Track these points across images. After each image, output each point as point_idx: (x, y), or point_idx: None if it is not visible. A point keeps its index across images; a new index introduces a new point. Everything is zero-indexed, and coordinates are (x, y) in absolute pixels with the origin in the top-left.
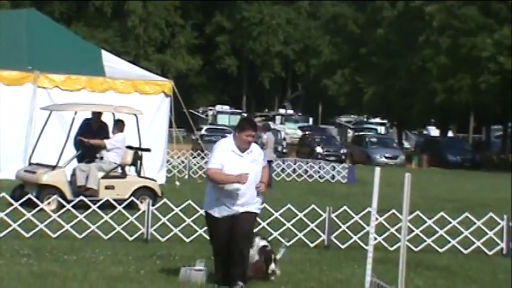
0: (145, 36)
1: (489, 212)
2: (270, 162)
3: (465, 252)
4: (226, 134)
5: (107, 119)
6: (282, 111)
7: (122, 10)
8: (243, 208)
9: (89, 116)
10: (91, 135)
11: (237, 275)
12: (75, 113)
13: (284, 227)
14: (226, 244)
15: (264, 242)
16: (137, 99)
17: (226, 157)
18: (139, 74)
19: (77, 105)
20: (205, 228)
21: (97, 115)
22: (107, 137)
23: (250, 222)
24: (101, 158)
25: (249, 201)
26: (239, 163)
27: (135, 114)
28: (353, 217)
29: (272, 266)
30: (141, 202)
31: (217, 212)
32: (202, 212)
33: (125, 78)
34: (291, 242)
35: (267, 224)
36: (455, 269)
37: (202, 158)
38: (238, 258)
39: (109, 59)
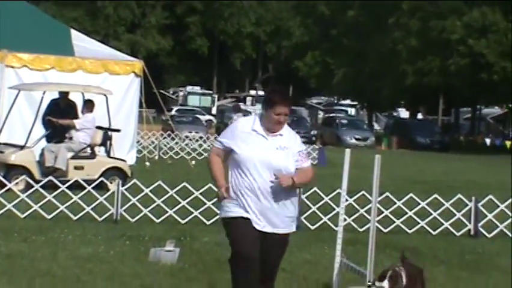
0: (115, 16)
1: (457, 194)
2: None
3: (433, 233)
4: (197, 115)
5: (77, 99)
6: (252, 92)
7: None
8: (275, 227)
9: (57, 96)
10: (59, 115)
11: None
12: (44, 93)
13: None
14: (255, 257)
15: (385, 284)
16: (107, 79)
17: (242, 137)
18: (109, 53)
19: (46, 84)
20: (176, 208)
21: (64, 94)
22: (76, 117)
23: (283, 247)
24: (71, 138)
25: (280, 211)
26: (258, 146)
27: (105, 94)
28: (323, 198)
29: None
30: (111, 182)
31: (236, 213)
32: (172, 192)
33: (95, 57)
34: None
35: None
36: (423, 250)
37: (173, 138)
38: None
39: (78, 38)
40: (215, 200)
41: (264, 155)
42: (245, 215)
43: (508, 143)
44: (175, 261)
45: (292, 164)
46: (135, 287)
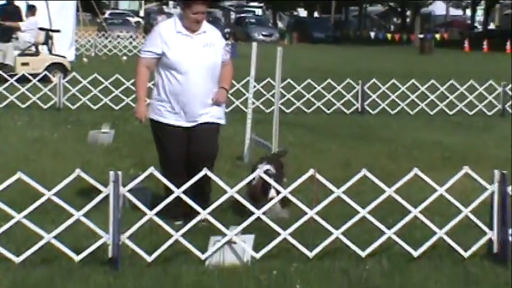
0: None
1: (347, 79)
2: None
3: (328, 112)
4: (127, 17)
5: (21, 4)
6: None
7: None
8: (201, 118)
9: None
10: (7, 18)
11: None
12: None
13: None
14: (182, 160)
15: (268, 166)
16: None
17: (168, 41)
18: None
19: None
20: (110, 97)
21: (10, 1)
22: (21, 20)
23: (213, 136)
24: (17, 39)
25: (205, 104)
26: (187, 46)
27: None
28: (235, 85)
29: (272, 192)
30: (53, 76)
31: (167, 118)
32: (106, 83)
33: None
34: None
35: None
36: (319, 126)
37: (106, 38)
38: (200, 187)
39: None
40: None
41: (193, 54)
42: (174, 122)
43: (389, 35)
44: (110, 142)
45: (220, 59)
46: (77, 163)
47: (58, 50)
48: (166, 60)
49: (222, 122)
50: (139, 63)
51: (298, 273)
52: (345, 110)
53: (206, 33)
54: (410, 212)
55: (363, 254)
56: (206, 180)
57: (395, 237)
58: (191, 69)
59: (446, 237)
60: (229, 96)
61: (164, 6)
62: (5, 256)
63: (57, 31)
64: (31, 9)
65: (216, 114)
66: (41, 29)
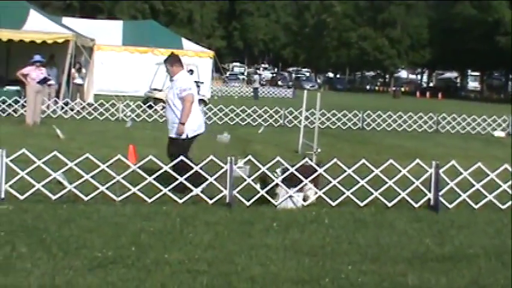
0: None
1: (354, 110)
2: None
3: (343, 128)
4: (238, 76)
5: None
6: None
7: None
8: (171, 133)
9: None
10: None
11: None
12: None
13: None
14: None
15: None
16: None
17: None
18: None
19: None
20: (229, 117)
21: None
22: None
23: (173, 145)
24: None
25: (171, 125)
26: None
27: None
28: (294, 112)
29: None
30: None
31: None
32: (227, 110)
33: None
34: None
35: None
36: (339, 135)
37: (226, 86)
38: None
39: None
40: None
41: (167, 92)
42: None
43: (376, 88)
44: (228, 141)
45: (176, 95)
46: (211, 152)
47: (202, 92)
48: None
49: (174, 136)
50: None
51: (326, 214)
52: (353, 127)
53: (174, 82)
54: (386, 182)
55: (361, 204)
56: (177, 167)
57: (379, 196)
58: (167, 100)
59: (406, 196)
60: (291, 119)
61: (257, 70)
62: (172, 198)
63: (202, 83)
64: (191, 72)
65: (174, 131)
66: (194, 81)
